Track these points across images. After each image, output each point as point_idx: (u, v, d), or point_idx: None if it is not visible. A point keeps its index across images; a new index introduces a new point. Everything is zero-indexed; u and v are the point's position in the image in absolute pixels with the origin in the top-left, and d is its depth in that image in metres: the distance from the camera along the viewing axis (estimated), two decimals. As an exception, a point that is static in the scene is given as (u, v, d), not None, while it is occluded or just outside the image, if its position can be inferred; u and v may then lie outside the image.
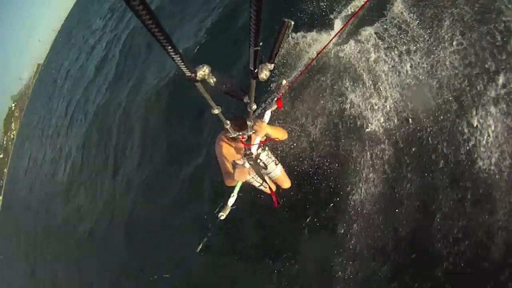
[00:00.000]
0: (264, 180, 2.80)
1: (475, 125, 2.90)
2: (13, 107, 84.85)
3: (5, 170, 62.84)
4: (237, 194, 2.69)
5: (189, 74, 1.01)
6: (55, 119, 20.85)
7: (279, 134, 2.67)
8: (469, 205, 2.81)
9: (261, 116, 2.53)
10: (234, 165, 2.62)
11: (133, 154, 8.72)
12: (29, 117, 40.49)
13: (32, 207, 19.93)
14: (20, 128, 53.39)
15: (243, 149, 2.43)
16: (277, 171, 3.22)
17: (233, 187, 2.75)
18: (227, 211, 2.54)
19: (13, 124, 76.13)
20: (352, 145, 3.71)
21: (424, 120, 3.28)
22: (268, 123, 2.62)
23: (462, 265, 2.70)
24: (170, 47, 0.76)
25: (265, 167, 3.00)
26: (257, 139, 2.51)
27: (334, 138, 3.90)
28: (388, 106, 3.54)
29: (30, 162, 26.33)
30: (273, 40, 0.97)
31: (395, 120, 3.47)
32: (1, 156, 79.31)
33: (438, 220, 2.93)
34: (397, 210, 3.21)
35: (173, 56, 0.81)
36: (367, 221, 3.35)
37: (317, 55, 4.16)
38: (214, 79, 1.16)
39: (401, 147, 3.37)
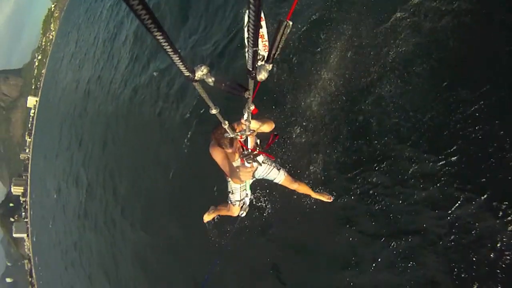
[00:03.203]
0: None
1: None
2: (53, 8, 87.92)
3: (43, 71, 67.52)
4: (251, 192, 2.99)
5: (188, 74, 1.03)
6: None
7: (269, 125, 2.82)
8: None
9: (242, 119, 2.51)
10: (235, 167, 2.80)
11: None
12: (73, 11, 41.58)
13: (80, 84, 21.02)
14: (61, 24, 55.42)
15: (242, 150, 2.60)
16: (281, 177, 3.47)
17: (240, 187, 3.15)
18: (247, 209, 2.89)
19: (52, 24, 79.46)
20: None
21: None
22: (255, 118, 2.66)
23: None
24: (169, 47, 0.79)
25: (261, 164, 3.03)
26: (249, 140, 2.61)
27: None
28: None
29: (77, 46, 27.43)
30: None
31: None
32: (40, 57, 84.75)
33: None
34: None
35: (172, 55, 0.84)
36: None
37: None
38: (213, 79, 1.17)
39: None
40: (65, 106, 25.37)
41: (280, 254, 4.85)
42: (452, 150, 3.26)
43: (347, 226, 4.01)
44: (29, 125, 68.44)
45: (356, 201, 3.94)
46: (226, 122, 1.84)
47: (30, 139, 61.19)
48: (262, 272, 5.04)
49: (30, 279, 55.36)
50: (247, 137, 2.49)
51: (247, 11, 0.80)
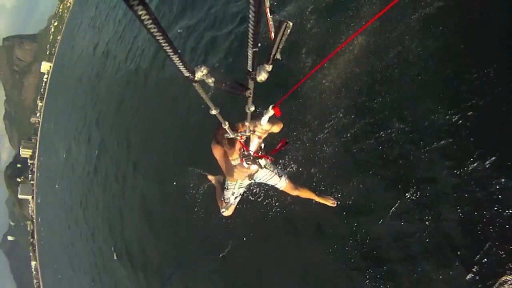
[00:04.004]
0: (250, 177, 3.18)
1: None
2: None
3: (58, 37, 67.51)
4: (238, 192, 2.98)
5: (188, 75, 1.03)
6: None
7: (279, 126, 2.81)
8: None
9: (258, 119, 2.52)
10: (232, 165, 2.83)
11: None
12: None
13: (99, 46, 21.02)
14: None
15: (241, 150, 2.59)
16: (282, 184, 3.44)
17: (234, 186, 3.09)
18: (229, 208, 2.77)
19: (71, -9, 78.83)
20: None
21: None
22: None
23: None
24: (169, 47, 0.79)
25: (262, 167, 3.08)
26: (254, 141, 2.60)
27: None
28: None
29: (97, 10, 27.32)
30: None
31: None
32: (56, 24, 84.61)
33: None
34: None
35: (172, 56, 0.85)
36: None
37: (323, 61, 4.44)
38: (213, 79, 1.18)
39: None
40: (81, 68, 25.49)
41: (293, 199, 4.75)
42: (470, 104, 3.30)
43: (364, 170, 4.00)
44: (42, 90, 68.91)
45: (375, 145, 3.95)
46: (227, 123, 1.83)
47: (41, 104, 61.73)
48: (273, 221, 5.03)
49: (31, 239, 56.83)
50: (247, 138, 2.49)
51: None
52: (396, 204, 3.62)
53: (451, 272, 3.11)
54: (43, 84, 69.24)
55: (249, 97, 1.38)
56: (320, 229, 4.36)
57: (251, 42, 0.91)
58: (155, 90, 10.74)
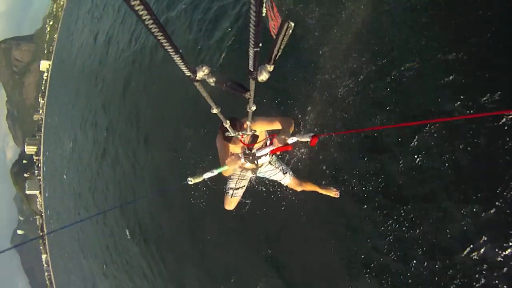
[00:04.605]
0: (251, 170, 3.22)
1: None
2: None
3: (55, 36, 66.81)
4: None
5: (189, 74, 1.03)
6: None
7: (289, 125, 2.72)
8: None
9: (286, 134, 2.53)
10: (231, 154, 2.83)
11: None
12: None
13: (99, 35, 20.73)
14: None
15: (243, 148, 2.67)
16: (286, 181, 3.48)
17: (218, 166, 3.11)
18: (197, 180, 2.64)
19: (63, -9, 77.63)
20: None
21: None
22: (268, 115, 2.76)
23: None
24: (170, 47, 0.79)
25: (257, 167, 3.15)
26: (267, 149, 2.63)
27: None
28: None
29: (93, 2, 26.78)
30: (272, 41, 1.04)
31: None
32: (51, 23, 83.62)
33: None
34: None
35: (173, 56, 0.84)
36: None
37: (347, 131, 4.39)
38: (214, 79, 1.18)
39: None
40: (82, 60, 25.14)
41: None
42: (476, 40, 3.29)
43: (378, 108, 4.01)
44: (43, 88, 68.60)
45: (388, 84, 3.95)
46: (228, 122, 1.87)
47: (43, 101, 61.47)
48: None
49: (41, 233, 57.24)
50: (251, 136, 2.53)
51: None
52: (413, 140, 3.61)
53: (474, 209, 3.05)
54: (44, 82, 68.88)
55: (249, 98, 1.39)
56: (338, 172, 4.34)
57: (252, 42, 0.91)
58: (162, 65, 10.55)
